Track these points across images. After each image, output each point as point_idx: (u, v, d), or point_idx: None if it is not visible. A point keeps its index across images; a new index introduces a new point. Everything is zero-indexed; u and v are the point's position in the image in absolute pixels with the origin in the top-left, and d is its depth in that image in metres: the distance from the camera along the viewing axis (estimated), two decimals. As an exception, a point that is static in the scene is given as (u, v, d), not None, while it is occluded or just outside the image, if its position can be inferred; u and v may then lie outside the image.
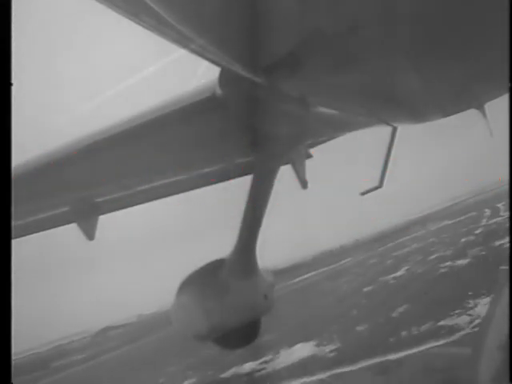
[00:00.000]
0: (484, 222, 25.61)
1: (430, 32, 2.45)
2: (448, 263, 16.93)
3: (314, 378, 9.19)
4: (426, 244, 25.85)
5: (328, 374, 9.05)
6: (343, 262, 31.90)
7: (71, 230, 6.13)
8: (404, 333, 9.87)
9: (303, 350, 11.66)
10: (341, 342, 11.27)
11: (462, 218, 31.25)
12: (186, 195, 6.80)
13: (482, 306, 9.30)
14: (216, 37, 2.56)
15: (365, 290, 18.11)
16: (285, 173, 5.75)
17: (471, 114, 5.66)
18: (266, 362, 11.57)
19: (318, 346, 11.60)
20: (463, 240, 21.43)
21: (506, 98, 3.95)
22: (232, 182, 6.53)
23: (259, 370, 11.19)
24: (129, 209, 6.71)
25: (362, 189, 7.28)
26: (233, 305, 5.48)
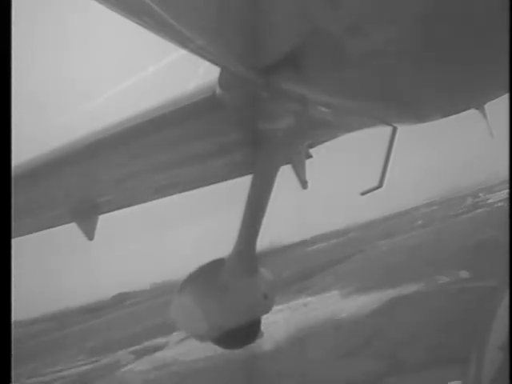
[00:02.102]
0: (469, 202, 31.57)
1: (430, 32, 2.45)
2: (452, 213, 25.56)
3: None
4: (428, 217, 29.82)
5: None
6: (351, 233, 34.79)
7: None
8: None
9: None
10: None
11: (448, 203, 34.13)
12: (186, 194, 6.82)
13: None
14: (216, 37, 2.55)
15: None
16: (285, 173, 5.75)
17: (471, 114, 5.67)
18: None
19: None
20: (456, 208, 28.17)
21: (506, 98, 3.94)
22: (232, 182, 6.53)
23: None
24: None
25: (361, 189, 7.28)
26: (233, 304, 5.48)
